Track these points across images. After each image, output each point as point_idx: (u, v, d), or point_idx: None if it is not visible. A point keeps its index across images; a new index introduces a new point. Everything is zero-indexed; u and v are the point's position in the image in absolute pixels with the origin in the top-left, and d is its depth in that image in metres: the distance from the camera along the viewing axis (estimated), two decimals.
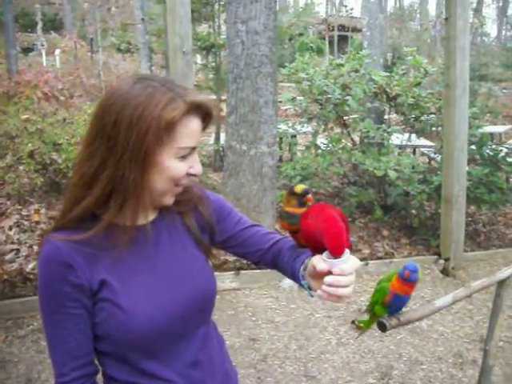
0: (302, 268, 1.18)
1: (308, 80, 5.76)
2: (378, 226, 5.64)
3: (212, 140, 8.20)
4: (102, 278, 1.08)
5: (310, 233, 1.11)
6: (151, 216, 1.19)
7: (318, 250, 1.09)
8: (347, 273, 1.03)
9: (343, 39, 20.91)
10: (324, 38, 19.40)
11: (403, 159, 5.26)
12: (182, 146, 1.08)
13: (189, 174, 1.13)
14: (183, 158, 1.10)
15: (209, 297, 1.23)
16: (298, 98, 6.44)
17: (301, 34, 17.82)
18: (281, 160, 7.44)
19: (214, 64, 8.00)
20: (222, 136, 6.68)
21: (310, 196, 1.24)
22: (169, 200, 1.16)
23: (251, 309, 4.05)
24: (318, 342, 3.59)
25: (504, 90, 16.49)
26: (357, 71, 5.94)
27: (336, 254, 1.04)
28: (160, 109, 1.04)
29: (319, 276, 1.07)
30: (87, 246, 1.08)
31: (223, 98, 6.71)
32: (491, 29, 35.97)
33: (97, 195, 1.07)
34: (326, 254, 1.06)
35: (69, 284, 1.06)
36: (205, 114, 1.13)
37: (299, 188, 1.24)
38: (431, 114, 5.97)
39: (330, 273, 1.04)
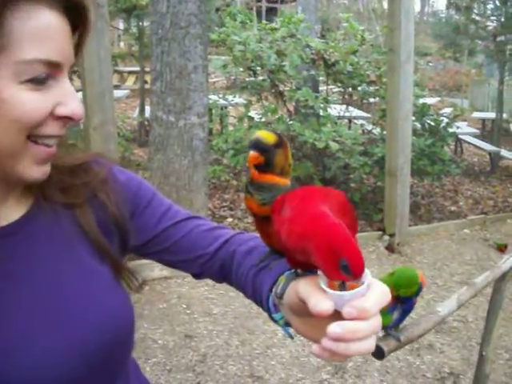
0: (274, 292, 0.69)
1: (241, 43, 5.27)
2: None
3: (136, 113, 7.58)
4: None
5: (286, 238, 0.60)
6: (17, 212, 0.70)
7: (300, 262, 0.62)
8: (371, 314, 0.55)
9: (272, 11, 20.46)
10: (252, 9, 18.88)
11: (344, 130, 4.94)
12: (26, 59, 0.58)
13: (56, 117, 0.63)
14: (35, 83, 0.60)
15: (123, 335, 0.74)
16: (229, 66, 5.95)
17: (227, 6, 17.21)
18: (211, 133, 6.95)
19: (136, 29, 7.32)
20: (148, 109, 6.10)
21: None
22: (29, 170, 0.64)
23: (185, 300, 3.59)
24: (262, 335, 3.19)
25: (430, 64, 16.72)
26: (292, 36, 5.52)
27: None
28: None
29: (311, 313, 0.57)
30: None
31: (147, 69, 6.10)
32: (415, 4, 36.87)
33: None
34: (324, 276, 0.58)
35: None
36: (69, 6, 0.63)
37: (270, 137, 0.69)
38: (371, 82, 5.67)
39: (335, 313, 0.55)
